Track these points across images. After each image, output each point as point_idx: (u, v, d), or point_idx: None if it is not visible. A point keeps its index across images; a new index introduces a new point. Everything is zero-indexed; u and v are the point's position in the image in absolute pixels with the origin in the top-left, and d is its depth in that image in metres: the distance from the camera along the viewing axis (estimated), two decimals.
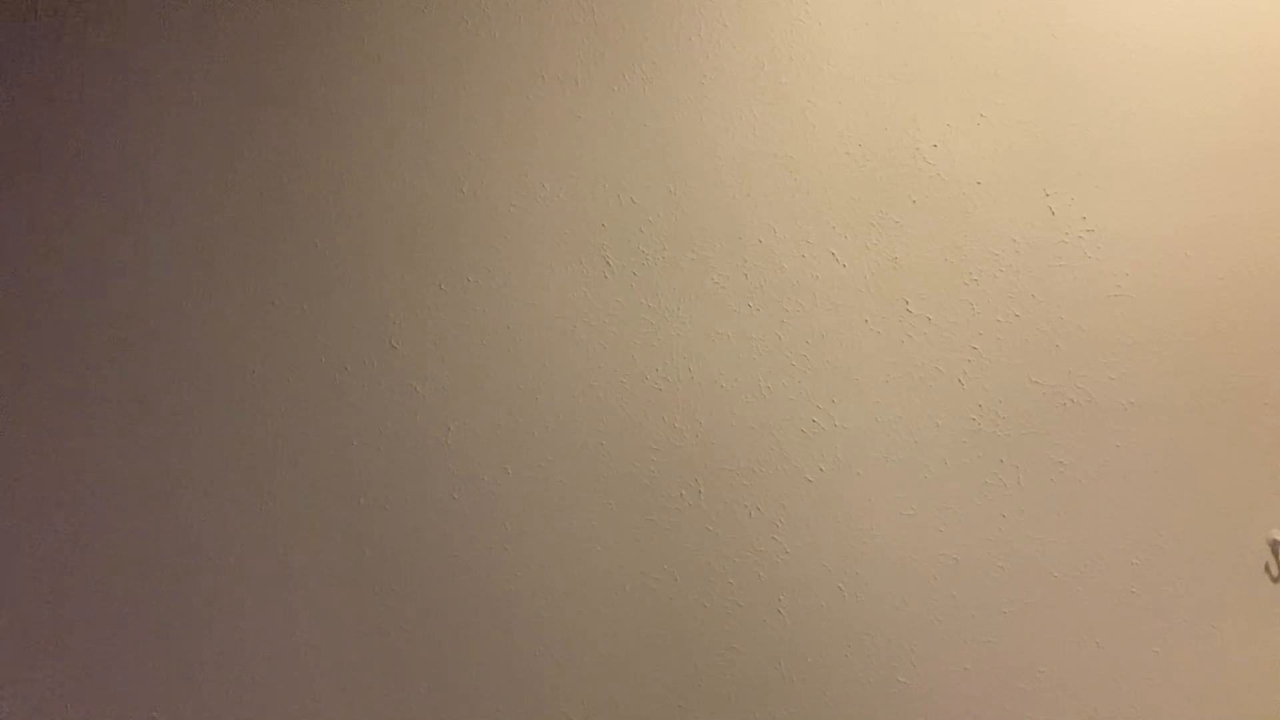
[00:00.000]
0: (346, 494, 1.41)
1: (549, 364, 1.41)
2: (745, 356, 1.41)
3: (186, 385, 1.42)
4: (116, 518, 1.41)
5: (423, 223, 1.43)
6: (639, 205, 1.42)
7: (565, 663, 1.40)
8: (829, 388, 1.40)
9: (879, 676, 1.39)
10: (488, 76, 1.44)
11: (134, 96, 1.45)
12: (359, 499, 1.41)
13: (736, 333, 1.41)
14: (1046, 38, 1.41)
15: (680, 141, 1.43)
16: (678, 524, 1.40)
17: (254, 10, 1.45)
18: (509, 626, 1.40)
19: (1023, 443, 1.38)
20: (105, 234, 1.43)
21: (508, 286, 1.42)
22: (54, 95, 1.45)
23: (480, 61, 1.44)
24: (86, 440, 1.41)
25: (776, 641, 1.39)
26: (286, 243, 1.43)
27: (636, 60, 1.44)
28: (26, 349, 1.42)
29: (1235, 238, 1.39)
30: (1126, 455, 1.38)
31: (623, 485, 1.40)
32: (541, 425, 1.41)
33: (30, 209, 1.44)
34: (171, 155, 1.44)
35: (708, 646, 1.40)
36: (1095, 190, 1.39)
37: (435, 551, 1.40)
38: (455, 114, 1.44)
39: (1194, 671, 1.37)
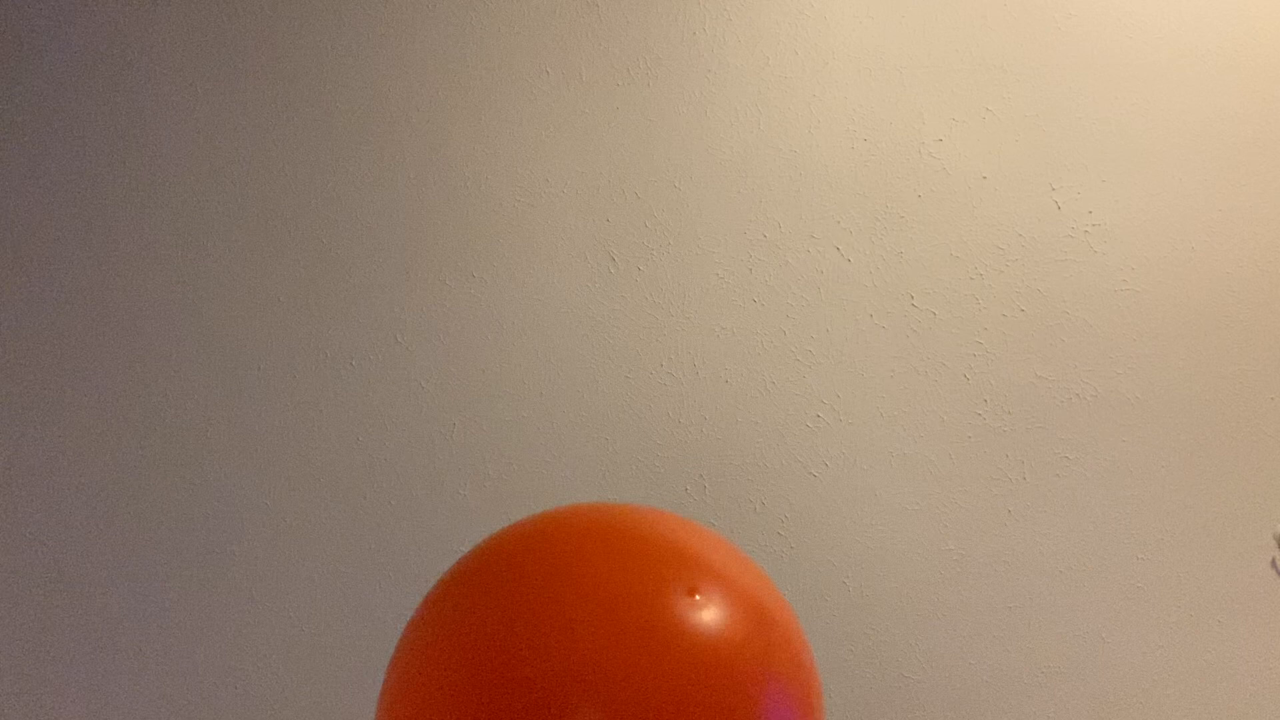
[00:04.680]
0: (352, 489, 1.41)
1: (553, 359, 1.41)
2: (750, 351, 1.41)
3: (190, 381, 1.42)
4: (119, 514, 1.41)
5: (427, 218, 1.43)
6: (643, 200, 1.42)
7: None
8: (834, 383, 1.40)
9: (883, 671, 1.39)
10: (491, 72, 1.44)
11: (135, 91, 1.45)
12: (364, 494, 1.41)
13: (741, 328, 1.41)
14: (1052, 31, 1.40)
15: (684, 136, 1.42)
16: None
17: (256, 4, 1.45)
18: None
19: (1028, 437, 1.38)
20: (107, 231, 1.43)
21: (512, 282, 1.42)
22: (54, 91, 1.45)
23: (484, 57, 1.44)
24: (90, 437, 1.41)
25: None
26: (291, 238, 1.43)
27: (640, 55, 1.43)
28: (28, 347, 1.42)
29: (1241, 231, 1.38)
30: (1132, 450, 1.38)
31: (628, 480, 1.40)
32: (547, 420, 1.41)
33: (31, 207, 1.44)
34: (174, 150, 1.44)
35: None
36: (1101, 184, 1.39)
37: (441, 546, 1.40)
38: (459, 110, 1.44)
39: (1199, 667, 1.37)
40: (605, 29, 1.44)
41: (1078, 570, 1.38)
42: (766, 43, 1.43)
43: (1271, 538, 1.37)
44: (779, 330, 1.40)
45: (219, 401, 1.42)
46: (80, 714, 1.40)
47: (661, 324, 1.41)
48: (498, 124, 1.44)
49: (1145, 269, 1.38)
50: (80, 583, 1.41)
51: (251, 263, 1.43)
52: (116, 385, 1.42)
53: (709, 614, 0.59)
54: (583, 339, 1.41)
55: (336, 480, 1.41)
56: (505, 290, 1.42)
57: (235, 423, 1.41)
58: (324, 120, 1.44)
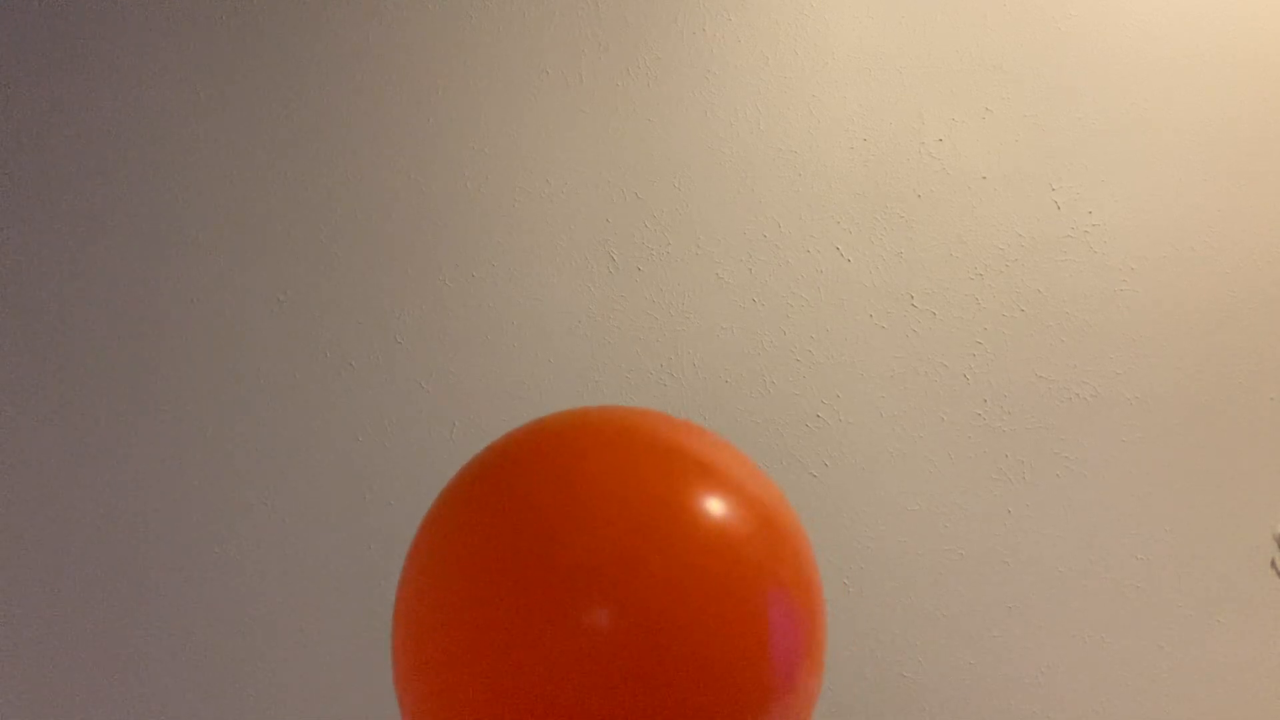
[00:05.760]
0: (351, 489, 1.41)
1: (553, 359, 1.41)
2: (750, 352, 1.41)
3: (191, 381, 1.42)
4: (118, 514, 1.41)
5: (427, 218, 1.43)
6: (643, 200, 1.42)
7: None
8: (834, 383, 1.40)
9: (883, 672, 1.39)
10: (491, 71, 1.44)
11: (136, 93, 1.45)
12: (364, 494, 1.41)
13: (741, 328, 1.41)
14: (1052, 31, 1.40)
15: (684, 136, 1.42)
16: None
17: (256, 4, 1.45)
18: None
19: (1028, 438, 1.38)
20: (107, 231, 1.44)
21: (512, 282, 1.42)
22: (56, 93, 1.45)
23: (483, 56, 1.44)
24: (90, 437, 1.41)
25: None
26: (290, 239, 1.43)
27: (640, 55, 1.43)
28: (29, 346, 1.42)
29: (1241, 231, 1.38)
30: (1132, 450, 1.38)
31: None
32: None
33: (33, 207, 1.44)
34: (174, 151, 1.44)
35: None
36: (1101, 184, 1.39)
37: None
38: (459, 109, 1.44)
39: (1199, 667, 1.37)
40: (605, 29, 1.44)
41: (1077, 570, 1.38)
42: (766, 43, 1.43)
43: (1271, 538, 1.37)
44: (779, 330, 1.40)
45: (219, 401, 1.42)
46: (80, 713, 1.41)
47: (661, 324, 1.41)
48: (497, 123, 1.44)
49: (1145, 269, 1.38)
50: (79, 582, 1.41)
51: (251, 263, 1.43)
52: (116, 385, 1.42)
53: (714, 513, 0.60)
54: (582, 339, 1.41)
55: (336, 480, 1.41)
56: (504, 290, 1.42)
57: (235, 423, 1.42)
58: (323, 119, 1.44)
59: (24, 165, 1.44)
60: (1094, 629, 1.38)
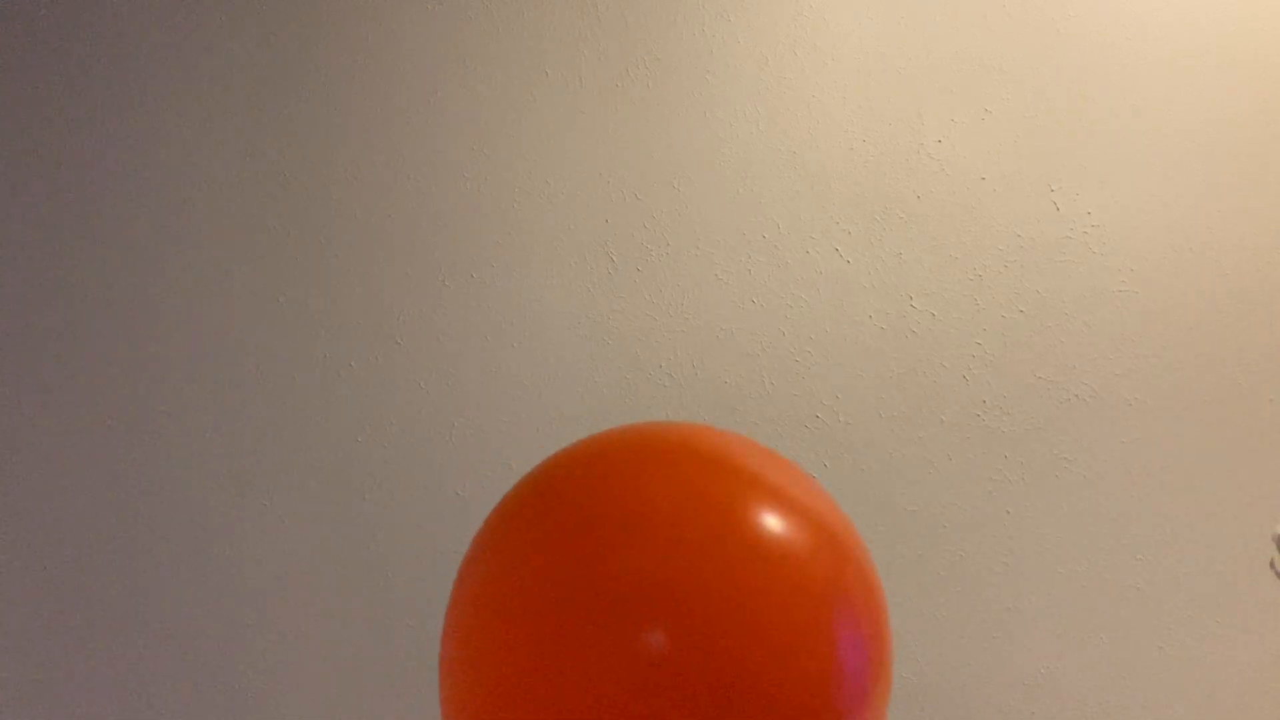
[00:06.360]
0: (350, 490, 1.41)
1: (552, 360, 1.42)
2: (749, 352, 1.41)
3: (190, 382, 1.42)
4: (117, 514, 1.41)
5: (426, 218, 1.43)
6: (642, 201, 1.42)
7: None
8: (833, 384, 1.40)
9: None
10: (490, 72, 1.44)
11: (137, 90, 1.45)
12: (363, 495, 1.41)
13: (740, 329, 1.41)
14: (1051, 32, 1.40)
15: (684, 137, 1.42)
16: None
17: (256, 4, 1.46)
18: None
19: (1027, 439, 1.38)
20: (107, 231, 1.44)
21: (511, 282, 1.42)
22: (56, 93, 1.46)
23: (483, 56, 1.44)
24: (89, 437, 1.42)
25: None
26: (290, 239, 1.44)
27: (640, 55, 1.43)
28: (29, 347, 1.43)
29: (1241, 232, 1.38)
30: (1131, 451, 1.38)
31: None
32: (545, 421, 1.41)
33: (32, 206, 1.44)
34: (175, 150, 1.45)
35: None
36: (1100, 185, 1.39)
37: (439, 548, 1.41)
38: (458, 109, 1.44)
39: (1199, 668, 1.37)
40: (605, 29, 1.44)
41: (1076, 571, 1.38)
42: (766, 43, 1.42)
43: (1271, 538, 1.36)
44: (777, 331, 1.41)
45: (218, 402, 1.42)
46: (79, 714, 1.41)
47: (660, 324, 1.41)
48: (498, 124, 1.44)
49: (1144, 270, 1.38)
50: (79, 583, 1.41)
51: (251, 263, 1.43)
52: (116, 385, 1.42)
53: (776, 530, 0.58)
54: (581, 339, 1.41)
55: (336, 481, 1.41)
56: (504, 290, 1.42)
57: (235, 423, 1.42)
58: (323, 120, 1.45)
59: (24, 165, 1.45)
60: (1094, 629, 1.38)
